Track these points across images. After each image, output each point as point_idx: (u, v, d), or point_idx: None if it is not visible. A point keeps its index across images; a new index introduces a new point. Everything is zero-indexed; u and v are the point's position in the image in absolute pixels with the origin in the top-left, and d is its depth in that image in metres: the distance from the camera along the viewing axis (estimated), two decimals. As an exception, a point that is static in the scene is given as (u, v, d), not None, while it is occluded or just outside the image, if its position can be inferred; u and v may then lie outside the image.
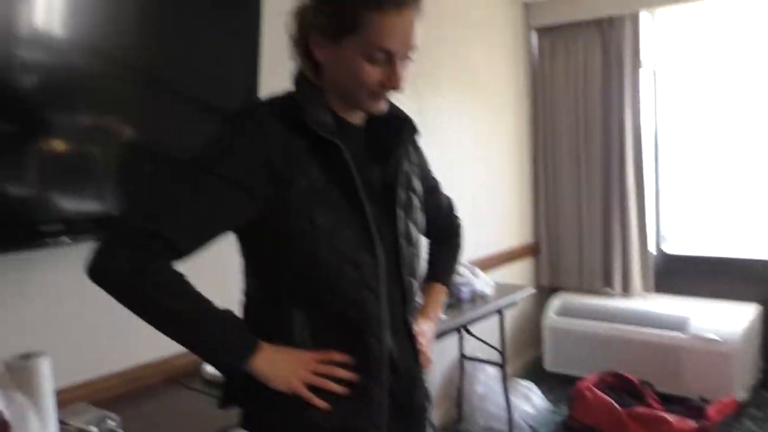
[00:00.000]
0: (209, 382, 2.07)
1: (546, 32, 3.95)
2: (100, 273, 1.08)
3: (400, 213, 1.23)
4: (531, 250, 4.10)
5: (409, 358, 1.25)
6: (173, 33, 1.96)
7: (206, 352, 1.17)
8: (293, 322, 1.15)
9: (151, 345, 2.07)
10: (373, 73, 1.13)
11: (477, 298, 2.94)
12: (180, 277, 1.11)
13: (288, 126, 1.13)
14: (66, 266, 1.87)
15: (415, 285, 1.27)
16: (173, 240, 1.08)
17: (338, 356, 1.16)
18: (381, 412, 1.20)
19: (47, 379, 1.60)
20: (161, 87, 1.93)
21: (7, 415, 1.51)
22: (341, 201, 1.15)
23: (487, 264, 3.50)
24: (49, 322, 1.85)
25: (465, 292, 2.90)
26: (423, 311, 1.33)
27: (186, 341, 1.14)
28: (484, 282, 2.98)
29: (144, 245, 1.07)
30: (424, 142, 1.42)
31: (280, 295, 1.17)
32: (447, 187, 1.53)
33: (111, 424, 1.70)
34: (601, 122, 3.79)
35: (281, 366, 1.13)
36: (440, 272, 1.44)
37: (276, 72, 2.33)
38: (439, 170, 1.50)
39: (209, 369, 2.10)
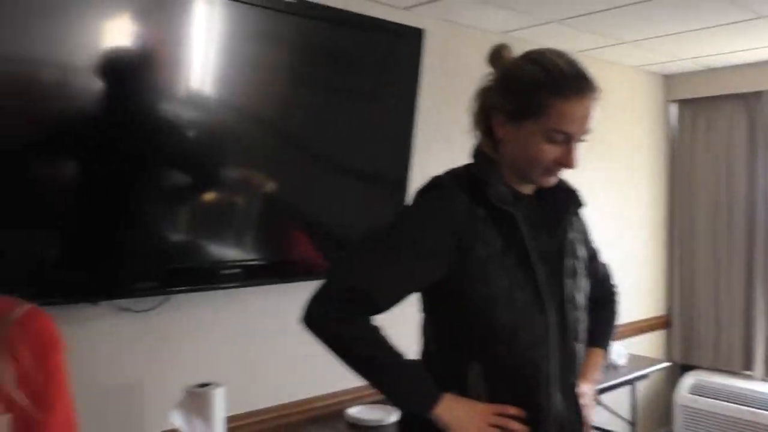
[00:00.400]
0: (351, 425, 2.19)
1: (686, 104, 3.91)
2: (313, 321, 1.25)
3: (567, 280, 1.31)
4: (662, 323, 3.97)
5: (574, 418, 1.31)
6: (321, 99, 2.13)
7: (395, 398, 1.32)
8: (468, 375, 1.25)
9: (298, 385, 2.24)
10: (549, 152, 1.24)
11: (609, 367, 2.90)
12: (378, 330, 1.26)
13: (470, 197, 1.26)
14: (237, 307, 2.09)
15: (580, 348, 1.34)
16: (375, 298, 1.23)
17: (513, 410, 1.24)
18: None
19: (221, 407, 1.78)
20: (306, 150, 2.11)
21: (187, 437, 1.70)
22: (516, 266, 1.25)
23: (617, 334, 3.44)
24: (218, 355, 2.04)
25: (597, 360, 2.87)
26: (583, 374, 1.39)
27: (379, 385, 1.28)
28: (617, 352, 2.95)
29: (351, 300, 1.23)
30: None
31: (458, 349, 1.28)
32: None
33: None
34: (746, 195, 3.67)
35: (461, 415, 1.23)
36: (598, 337, 1.49)
37: (428, 139, 2.54)
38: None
39: (351, 413, 2.23)
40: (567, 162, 1.25)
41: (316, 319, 1.25)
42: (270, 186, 2.03)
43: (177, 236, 1.86)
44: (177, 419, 1.70)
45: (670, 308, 4.00)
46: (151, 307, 1.88)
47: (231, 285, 1.96)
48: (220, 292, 2.01)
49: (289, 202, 2.08)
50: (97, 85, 1.62)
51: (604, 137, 3.49)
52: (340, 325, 1.24)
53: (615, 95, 3.58)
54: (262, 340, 2.15)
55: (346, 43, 2.16)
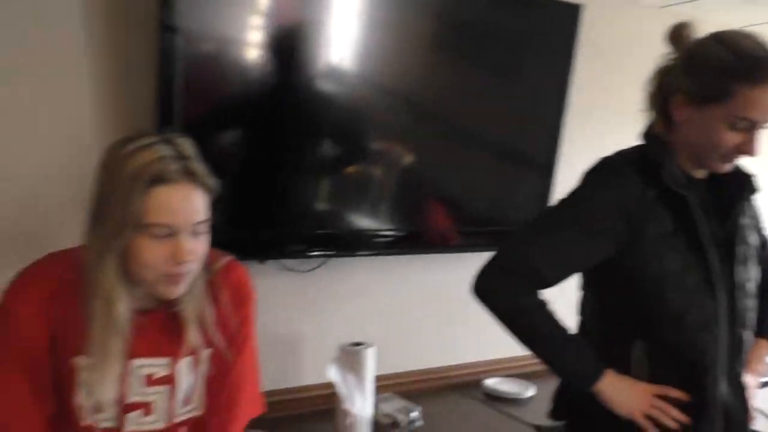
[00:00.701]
0: (488, 395, 2.25)
1: None
2: (483, 292, 1.32)
3: (738, 267, 1.29)
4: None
5: (741, 408, 1.30)
6: (466, 74, 2.12)
7: (560, 370, 1.36)
8: (632, 354, 1.27)
9: (438, 352, 2.33)
10: (731, 138, 1.21)
11: None
12: (545, 304, 1.30)
13: (642, 178, 1.26)
14: (386, 274, 2.19)
15: (748, 336, 1.31)
16: (544, 273, 1.28)
17: (676, 393, 1.25)
18: None
19: (371, 366, 1.89)
20: (447, 125, 2.13)
21: (343, 391, 1.83)
22: (687, 248, 1.24)
23: None
24: (369, 317, 2.16)
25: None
26: (747, 364, 1.36)
27: (544, 356, 1.33)
28: None
29: (521, 274, 1.28)
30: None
31: (623, 327, 1.30)
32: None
33: (414, 415, 1.94)
34: None
35: (623, 392, 1.26)
36: (765, 327, 1.45)
37: (579, 119, 2.50)
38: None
39: (489, 384, 2.29)
40: (748, 150, 1.22)
41: (487, 290, 1.31)
42: (410, 159, 2.09)
43: (324, 205, 1.96)
44: (333, 374, 1.82)
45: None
46: (312, 269, 2.01)
47: (370, 252, 2.06)
48: (373, 258, 2.12)
49: (428, 175, 2.13)
50: (259, 61, 1.74)
51: None
52: (510, 297, 1.29)
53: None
54: (408, 306, 2.24)
55: (496, 16, 2.14)
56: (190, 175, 1.08)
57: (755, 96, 1.17)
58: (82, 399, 1.14)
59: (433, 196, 2.18)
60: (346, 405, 1.81)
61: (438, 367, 2.32)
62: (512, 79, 2.24)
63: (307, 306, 2.04)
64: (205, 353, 1.23)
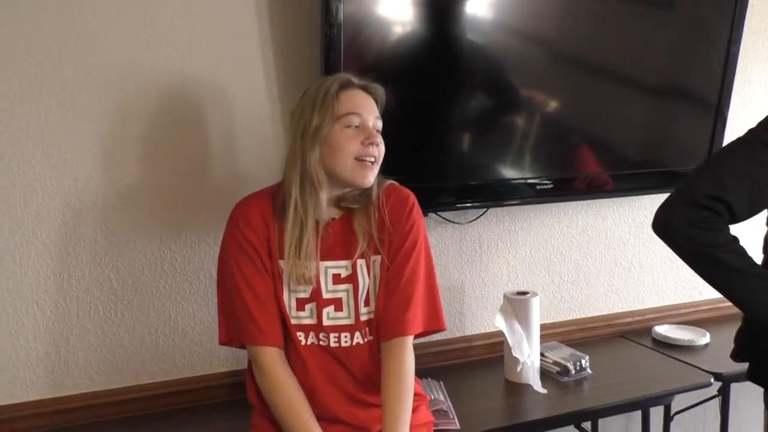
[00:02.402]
0: (659, 342, 2.17)
1: None
2: (668, 226, 1.25)
3: None
4: None
5: None
6: (622, 13, 2.01)
7: (751, 306, 1.28)
8: None
9: (603, 300, 2.26)
10: None
11: None
12: (736, 239, 1.22)
13: None
14: (540, 221, 2.14)
15: None
16: (734, 207, 1.20)
17: None
18: None
19: (537, 314, 1.88)
20: (596, 66, 2.02)
21: (510, 340, 1.83)
22: None
23: None
24: (529, 266, 2.14)
25: None
26: None
27: (732, 292, 1.26)
28: None
29: (709, 208, 1.20)
30: None
31: None
32: None
33: (583, 362, 1.91)
34: None
35: None
36: None
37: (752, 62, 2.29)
38: None
39: (659, 331, 2.20)
40: None
41: (672, 224, 1.24)
42: (557, 104, 2.00)
43: (474, 156, 1.93)
44: (500, 322, 1.83)
45: None
46: (470, 221, 2.01)
47: (525, 201, 2.02)
48: (529, 207, 2.08)
49: (577, 119, 2.04)
50: (411, 17, 1.74)
51: None
52: (699, 231, 1.21)
53: None
54: (568, 253, 2.19)
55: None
56: (366, 88, 1.39)
57: None
58: (286, 298, 1.37)
59: (583, 140, 2.08)
60: (515, 353, 1.81)
61: (602, 315, 2.26)
62: (671, 10, 2.07)
63: (467, 257, 2.04)
64: (376, 259, 1.40)
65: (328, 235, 1.38)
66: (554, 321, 2.18)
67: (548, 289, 2.16)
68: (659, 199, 1.33)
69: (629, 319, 2.29)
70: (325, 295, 1.38)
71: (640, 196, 2.24)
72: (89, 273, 1.65)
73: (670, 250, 1.28)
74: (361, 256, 1.39)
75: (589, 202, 2.17)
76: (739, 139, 1.26)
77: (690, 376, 1.91)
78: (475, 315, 2.08)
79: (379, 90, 1.40)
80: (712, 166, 1.28)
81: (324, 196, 1.34)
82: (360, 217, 1.39)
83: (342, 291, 1.39)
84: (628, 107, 2.09)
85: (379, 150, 1.35)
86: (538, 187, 1.98)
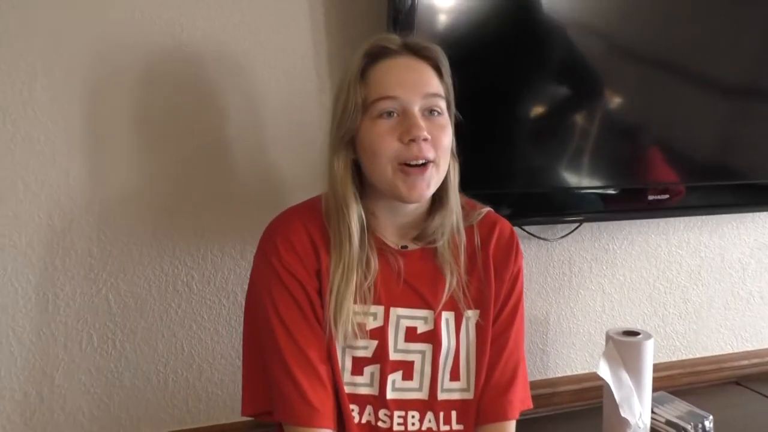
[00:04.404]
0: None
1: None
2: None
3: None
4: None
5: None
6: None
7: None
8: None
9: (711, 339, 1.84)
10: None
11: None
12: None
13: None
14: (645, 238, 1.73)
15: None
16: None
17: None
18: None
19: (650, 361, 1.46)
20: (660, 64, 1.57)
21: (617, 395, 1.42)
22: None
23: None
24: (631, 292, 1.72)
25: None
26: None
27: None
28: None
29: None
30: None
31: None
32: None
33: (707, 425, 1.49)
34: None
35: None
36: None
37: None
38: None
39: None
40: None
41: None
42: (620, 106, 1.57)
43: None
44: (604, 371, 1.42)
45: None
46: (559, 237, 1.61)
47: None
48: (628, 222, 1.67)
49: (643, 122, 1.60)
50: None
51: None
52: None
53: None
54: (676, 280, 1.77)
55: None
56: (411, 49, 0.98)
57: None
58: (340, 356, 0.98)
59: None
60: (624, 413, 1.40)
61: (713, 356, 1.83)
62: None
63: (554, 281, 1.64)
64: (471, 315, 1.03)
65: (397, 270, 1.00)
66: (656, 362, 1.75)
67: (649, 322, 1.75)
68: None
69: (746, 362, 1.85)
70: (393, 356, 0.99)
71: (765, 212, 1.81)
72: (81, 293, 1.28)
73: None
74: (449, 307, 1.01)
75: (704, 217, 1.75)
76: None
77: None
78: (561, 354, 1.67)
79: (434, 51, 0.99)
80: None
81: (356, 218, 0.97)
82: (446, 253, 1.02)
83: (416, 352, 1.01)
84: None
85: (436, 146, 0.95)
86: (650, 197, 1.57)
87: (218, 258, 1.36)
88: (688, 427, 1.47)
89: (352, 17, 1.36)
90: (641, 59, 1.54)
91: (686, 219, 1.73)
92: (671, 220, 1.71)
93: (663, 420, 1.51)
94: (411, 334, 1.00)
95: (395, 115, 0.94)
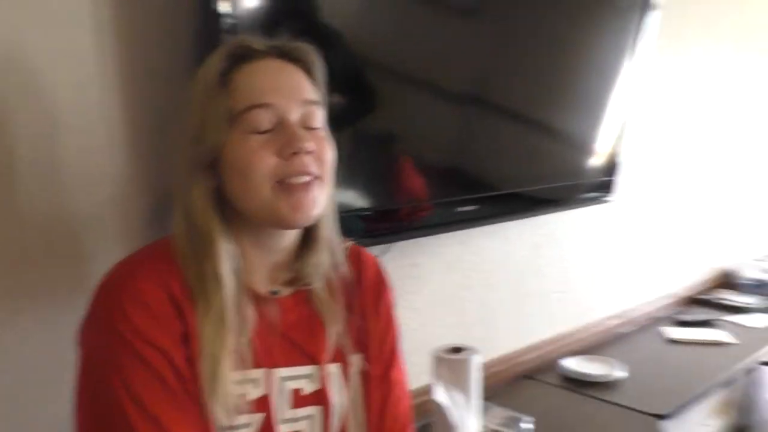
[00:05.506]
0: (564, 377, 1.91)
1: None
2: None
3: None
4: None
5: None
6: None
7: None
8: None
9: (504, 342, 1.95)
10: None
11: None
12: None
13: None
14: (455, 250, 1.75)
15: None
16: None
17: None
18: None
19: (478, 376, 1.47)
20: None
21: (453, 415, 1.40)
22: None
23: None
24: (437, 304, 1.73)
25: None
26: None
27: None
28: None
29: None
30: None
31: None
32: None
33: (526, 427, 1.55)
34: None
35: None
36: None
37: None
38: None
39: (564, 364, 1.94)
40: None
41: None
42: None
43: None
44: (440, 395, 1.39)
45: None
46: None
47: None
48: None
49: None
50: None
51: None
52: None
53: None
54: (475, 286, 1.83)
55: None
56: (280, 50, 0.84)
57: None
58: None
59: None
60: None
61: (505, 355, 1.93)
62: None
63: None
64: (356, 360, 0.92)
65: (272, 322, 0.85)
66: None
67: (455, 332, 1.78)
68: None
69: (530, 356, 1.99)
70: (280, 429, 0.84)
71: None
72: None
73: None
74: (335, 358, 0.88)
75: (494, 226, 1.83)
76: None
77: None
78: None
79: (307, 53, 0.85)
80: None
81: (225, 258, 0.80)
82: (323, 295, 0.90)
83: (304, 419, 0.87)
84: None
85: (321, 160, 0.82)
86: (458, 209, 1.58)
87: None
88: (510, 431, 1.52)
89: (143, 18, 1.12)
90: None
91: (483, 228, 1.78)
92: (473, 230, 1.75)
93: (491, 428, 1.54)
94: (297, 398, 0.86)
95: (269, 126, 0.79)
